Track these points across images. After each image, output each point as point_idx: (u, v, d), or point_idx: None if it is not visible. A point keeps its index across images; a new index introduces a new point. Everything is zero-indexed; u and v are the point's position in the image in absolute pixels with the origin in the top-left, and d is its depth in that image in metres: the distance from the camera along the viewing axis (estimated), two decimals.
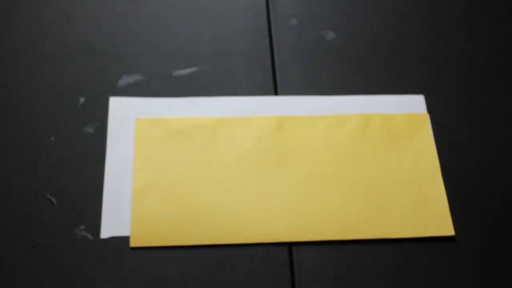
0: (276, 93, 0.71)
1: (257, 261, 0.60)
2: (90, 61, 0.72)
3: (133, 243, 0.60)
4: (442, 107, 0.71)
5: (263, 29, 0.77)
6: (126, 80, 0.71)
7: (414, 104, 0.70)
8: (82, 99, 0.69)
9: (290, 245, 0.61)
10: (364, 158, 0.65)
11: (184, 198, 0.63)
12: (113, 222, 0.61)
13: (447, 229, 0.61)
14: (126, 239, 0.60)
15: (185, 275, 0.59)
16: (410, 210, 0.62)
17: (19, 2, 0.77)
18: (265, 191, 0.63)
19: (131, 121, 0.67)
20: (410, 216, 0.62)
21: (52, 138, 0.66)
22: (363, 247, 0.61)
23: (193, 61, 0.73)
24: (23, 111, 0.68)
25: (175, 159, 0.64)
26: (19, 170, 0.64)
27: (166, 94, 0.70)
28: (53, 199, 0.63)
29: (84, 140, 0.66)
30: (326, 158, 0.65)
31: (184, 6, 0.78)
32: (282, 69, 0.73)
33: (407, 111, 0.69)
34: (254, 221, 0.61)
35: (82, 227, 0.61)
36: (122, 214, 0.62)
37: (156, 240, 0.60)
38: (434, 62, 0.75)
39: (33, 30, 0.75)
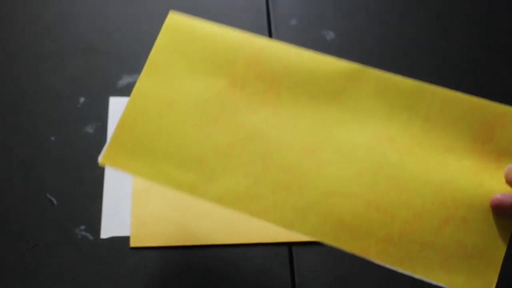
0: None
1: (257, 261, 0.60)
2: (90, 61, 0.72)
3: (133, 243, 0.60)
4: None
5: (263, 29, 0.77)
6: (126, 80, 0.71)
7: None
8: (82, 99, 0.69)
9: (290, 245, 0.61)
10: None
11: (184, 198, 0.63)
12: (113, 222, 0.61)
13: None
14: (126, 239, 0.60)
15: (185, 275, 0.59)
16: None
17: (19, 2, 0.77)
18: None
19: None
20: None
21: (52, 138, 0.66)
22: None
23: None
24: (23, 111, 0.68)
25: None
26: (19, 170, 0.64)
27: None
28: (53, 199, 0.63)
29: (84, 140, 0.66)
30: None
31: (184, 6, 0.78)
32: None
33: None
34: (254, 221, 0.61)
35: (82, 227, 0.61)
36: (122, 214, 0.62)
37: (156, 240, 0.60)
38: (434, 62, 0.75)
39: (33, 30, 0.75)
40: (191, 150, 0.50)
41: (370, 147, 0.50)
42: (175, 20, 0.54)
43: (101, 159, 0.51)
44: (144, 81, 0.53)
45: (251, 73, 0.52)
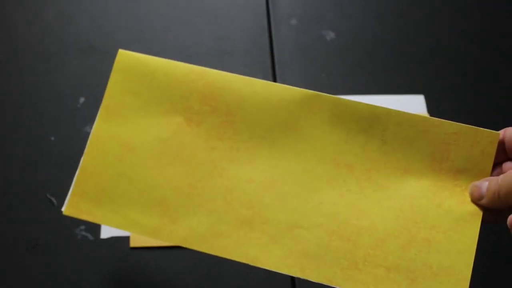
0: None
1: None
2: (90, 61, 0.72)
3: (133, 243, 0.60)
4: (442, 107, 0.71)
5: (263, 29, 0.77)
6: None
7: (414, 104, 0.71)
8: (82, 99, 0.69)
9: None
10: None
11: None
12: None
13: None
14: (126, 239, 0.60)
15: (185, 275, 0.59)
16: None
17: (19, 2, 0.77)
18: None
19: None
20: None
21: (52, 138, 0.66)
22: None
23: (193, 61, 0.73)
24: (23, 111, 0.68)
25: None
26: (19, 170, 0.64)
27: None
28: (53, 199, 0.63)
29: (84, 140, 0.66)
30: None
31: (184, 6, 0.78)
32: (282, 69, 0.73)
33: (406, 111, 0.68)
34: None
35: (82, 227, 0.61)
36: None
37: (156, 240, 0.60)
38: (434, 62, 0.75)
39: (33, 30, 0.75)
40: (152, 193, 0.51)
41: (330, 177, 0.50)
42: (125, 59, 0.54)
43: (64, 209, 0.51)
44: (100, 126, 0.53)
45: (205, 108, 0.52)
